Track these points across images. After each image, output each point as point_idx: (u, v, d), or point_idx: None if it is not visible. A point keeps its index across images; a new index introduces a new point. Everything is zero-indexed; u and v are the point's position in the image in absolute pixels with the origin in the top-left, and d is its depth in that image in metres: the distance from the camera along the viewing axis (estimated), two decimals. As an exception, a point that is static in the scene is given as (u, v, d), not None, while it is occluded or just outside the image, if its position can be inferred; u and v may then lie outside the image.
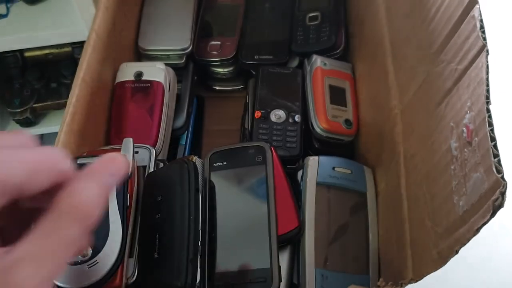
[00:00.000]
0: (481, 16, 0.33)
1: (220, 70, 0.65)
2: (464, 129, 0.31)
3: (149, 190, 0.44)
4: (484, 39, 0.32)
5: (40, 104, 0.81)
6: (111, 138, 0.52)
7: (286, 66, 0.61)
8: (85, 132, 0.48)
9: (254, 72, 0.61)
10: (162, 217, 0.41)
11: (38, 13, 0.68)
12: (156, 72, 0.54)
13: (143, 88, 0.53)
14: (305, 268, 0.43)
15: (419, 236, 0.37)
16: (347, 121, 0.55)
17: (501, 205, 0.26)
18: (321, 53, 0.59)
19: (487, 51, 0.31)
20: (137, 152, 0.48)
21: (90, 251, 0.37)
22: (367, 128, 0.54)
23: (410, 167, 0.40)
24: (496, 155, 0.27)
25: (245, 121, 0.59)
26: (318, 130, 0.54)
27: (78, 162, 0.42)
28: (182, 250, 0.39)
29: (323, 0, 0.62)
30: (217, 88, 0.68)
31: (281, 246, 0.45)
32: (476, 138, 0.30)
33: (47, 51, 0.81)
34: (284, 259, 0.45)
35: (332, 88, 0.56)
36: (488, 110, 0.29)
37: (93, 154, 0.45)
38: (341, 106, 0.56)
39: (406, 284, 0.36)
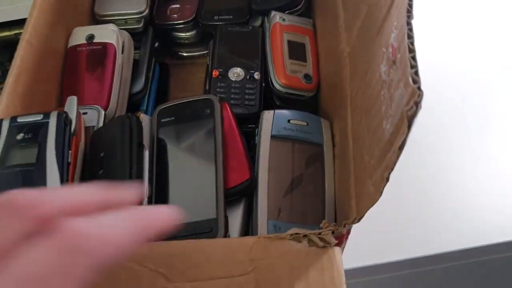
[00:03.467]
0: None
1: (182, 34, 0.63)
2: (390, 49, 0.30)
3: (93, 147, 0.43)
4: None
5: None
6: (63, 102, 0.51)
7: (246, 25, 0.59)
8: (32, 95, 0.47)
9: (214, 33, 0.60)
10: (104, 172, 0.41)
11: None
12: (108, 34, 0.52)
13: (95, 51, 0.52)
14: (258, 220, 0.42)
15: (359, 173, 0.35)
16: (306, 76, 0.53)
17: (414, 115, 0.24)
18: (281, 9, 0.57)
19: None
20: (86, 113, 0.47)
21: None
22: (325, 81, 0.52)
23: (353, 106, 0.39)
24: (414, 66, 0.26)
25: (206, 82, 0.57)
26: (277, 86, 0.53)
27: (18, 120, 0.42)
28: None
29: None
30: (184, 54, 0.67)
31: (234, 199, 0.43)
32: (399, 55, 0.28)
33: (16, 31, 0.80)
34: (238, 212, 0.44)
35: (291, 44, 0.55)
36: (409, 23, 0.27)
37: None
38: (301, 61, 0.54)
39: (350, 224, 0.34)
